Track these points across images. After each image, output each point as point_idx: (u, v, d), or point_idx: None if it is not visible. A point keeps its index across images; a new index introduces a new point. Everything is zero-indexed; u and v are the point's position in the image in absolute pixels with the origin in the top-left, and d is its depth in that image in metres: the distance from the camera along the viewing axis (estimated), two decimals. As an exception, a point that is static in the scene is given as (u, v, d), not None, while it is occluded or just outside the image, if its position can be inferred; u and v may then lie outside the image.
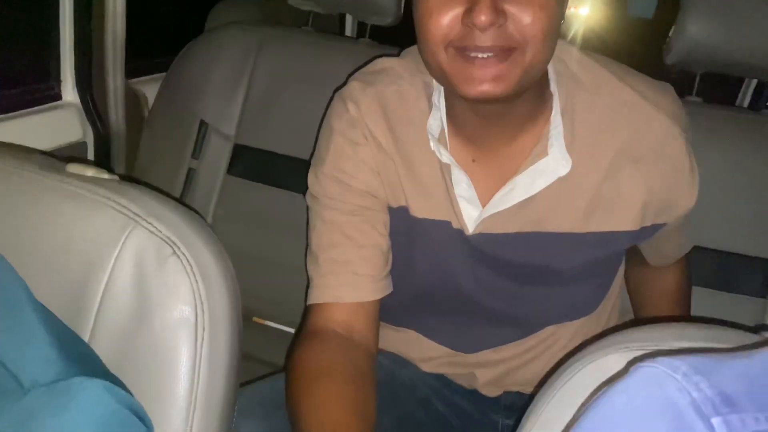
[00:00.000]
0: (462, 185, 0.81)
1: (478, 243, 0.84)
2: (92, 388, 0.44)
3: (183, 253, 0.52)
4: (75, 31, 1.25)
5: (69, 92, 1.29)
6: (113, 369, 0.51)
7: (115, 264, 0.52)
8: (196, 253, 0.53)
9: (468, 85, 0.70)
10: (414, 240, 0.87)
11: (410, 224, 0.85)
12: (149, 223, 0.53)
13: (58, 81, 1.27)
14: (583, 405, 0.50)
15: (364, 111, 0.83)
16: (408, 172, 0.83)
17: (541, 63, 0.72)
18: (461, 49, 0.69)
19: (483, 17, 0.66)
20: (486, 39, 0.68)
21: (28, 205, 0.56)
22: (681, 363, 0.34)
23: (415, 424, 0.96)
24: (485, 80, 0.69)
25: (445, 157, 0.80)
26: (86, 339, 0.52)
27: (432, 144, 0.81)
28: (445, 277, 0.88)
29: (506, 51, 0.68)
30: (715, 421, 0.32)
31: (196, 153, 1.35)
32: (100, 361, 0.50)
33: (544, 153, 0.79)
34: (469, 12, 0.67)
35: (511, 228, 0.83)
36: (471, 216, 0.83)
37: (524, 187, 0.79)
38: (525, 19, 0.67)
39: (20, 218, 0.56)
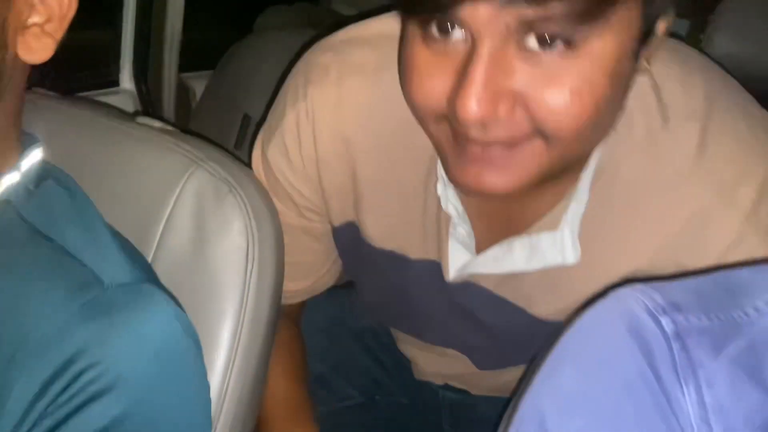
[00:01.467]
0: (460, 230, 0.64)
1: (457, 290, 0.69)
2: (161, 297, 0.50)
3: (239, 193, 0.58)
4: (136, 24, 1.34)
5: (126, 80, 1.38)
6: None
7: (177, 200, 0.58)
8: (249, 194, 0.59)
9: (460, 174, 0.51)
10: (364, 265, 0.74)
11: (362, 248, 0.71)
12: (210, 166, 0.59)
13: (117, 69, 1.36)
14: None
15: (323, 141, 0.64)
16: (376, 187, 0.66)
17: (578, 153, 0.52)
18: (454, 130, 0.49)
19: (470, 112, 0.44)
20: (484, 133, 0.47)
21: (104, 148, 0.62)
22: (641, 284, 0.42)
23: (353, 367, 0.95)
24: (483, 173, 0.49)
25: (452, 207, 0.62)
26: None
27: (440, 188, 0.62)
28: (406, 306, 0.76)
29: (518, 138, 0.48)
30: (664, 319, 0.39)
31: (239, 144, 1.42)
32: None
33: (554, 225, 0.59)
34: (455, 91, 0.45)
35: (499, 291, 0.67)
36: (458, 261, 0.65)
37: (520, 257, 0.61)
38: (549, 104, 0.45)
39: (95, 160, 0.62)
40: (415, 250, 0.68)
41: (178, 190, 0.58)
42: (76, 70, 1.29)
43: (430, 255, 0.67)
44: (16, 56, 0.47)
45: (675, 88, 0.55)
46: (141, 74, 1.38)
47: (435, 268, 0.68)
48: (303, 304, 0.86)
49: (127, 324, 0.46)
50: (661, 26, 0.50)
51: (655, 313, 0.39)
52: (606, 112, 0.48)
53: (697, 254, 0.55)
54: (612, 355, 0.39)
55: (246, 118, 1.43)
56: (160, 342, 0.47)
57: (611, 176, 0.56)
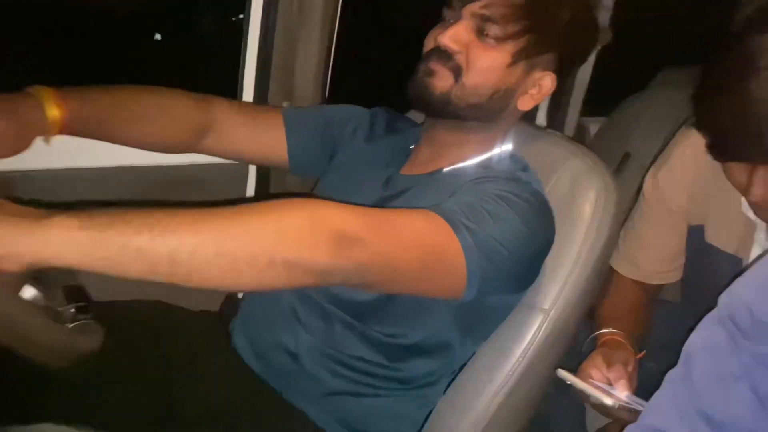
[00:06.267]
0: (762, 235, 1.06)
1: None
2: None
3: (595, 175, 1.00)
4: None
5: (542, 118, 1.91)
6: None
7: (563, 170, 1.03)
8: (603, 178, 1.00)
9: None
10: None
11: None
12: (582, 159, 1.03)
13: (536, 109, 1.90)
14: None
15: None
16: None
17: None
18: None
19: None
20: None
21: (536, 141, 1.11)
22: None
23: None
24: None
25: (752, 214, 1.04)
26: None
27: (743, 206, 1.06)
28: None
29: None
30: None
31: (617, 173, 1.80)
32: None
33: None
34: None
35: None
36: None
37: None
38: None
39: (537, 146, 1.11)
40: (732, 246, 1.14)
41: (563, 166, 1.04)
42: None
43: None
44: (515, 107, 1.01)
45: None
46: (552, 115, 1.90)
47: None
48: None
49: None
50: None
51: None
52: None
53: None
54: None
55: (626, 155, 1.81)
56: None
57: None
